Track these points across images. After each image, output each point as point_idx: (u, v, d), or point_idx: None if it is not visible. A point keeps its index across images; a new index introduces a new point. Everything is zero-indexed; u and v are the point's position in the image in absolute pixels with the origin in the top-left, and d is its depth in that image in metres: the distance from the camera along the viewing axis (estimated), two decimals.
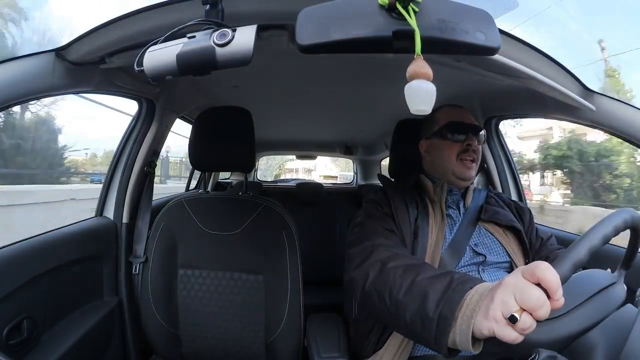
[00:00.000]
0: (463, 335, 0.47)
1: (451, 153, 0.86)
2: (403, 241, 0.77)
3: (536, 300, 0.40)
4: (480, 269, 0.79)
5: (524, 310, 0.41)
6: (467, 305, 0.48)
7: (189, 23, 0.47)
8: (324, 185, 2.94)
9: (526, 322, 0.41)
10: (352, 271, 0.70)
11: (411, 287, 0.56)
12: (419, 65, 0.40)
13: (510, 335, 0.42)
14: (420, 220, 0.80)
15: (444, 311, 0.50)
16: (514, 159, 1.33)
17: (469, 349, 0.47)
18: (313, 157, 3.36)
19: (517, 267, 0.81)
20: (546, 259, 0.88)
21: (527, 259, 0.85)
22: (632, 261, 0.59)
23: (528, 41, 0.63)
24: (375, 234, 0.74)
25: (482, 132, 0.89)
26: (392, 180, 1.00)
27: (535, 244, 0.92)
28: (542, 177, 10.98)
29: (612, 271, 0.62)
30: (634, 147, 0.79)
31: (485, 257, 0.80)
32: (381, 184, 1.00)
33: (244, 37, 0.44)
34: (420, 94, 0.39)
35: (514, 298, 0.42)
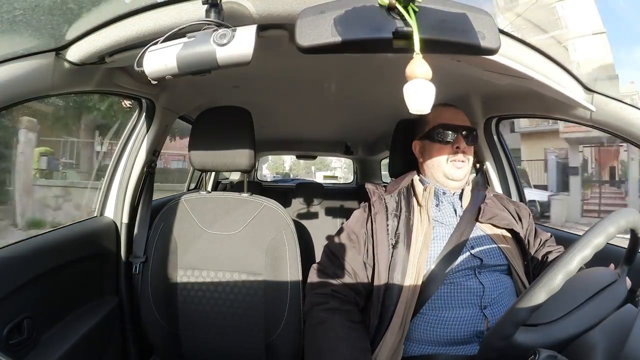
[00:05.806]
0: None
1: (441, 156, 0.86)
2: (372, 267, 0.80)
3: None
4: (476, 272, 0.77)
5: None
6: None
7: (189, 23, 0.47)
8: (324, 185, 2.95)
9: None
10: (310, 294, 0.82)
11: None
12: (418, 64, 0.40)
13: None
14: (401, 228, 0.80)
15: None
16: None
17: None
18: (313, 157, 3.35)
19: (515, 269, 0.80)
20: (545, 260, 0.88)
21: (526, 261, 0.84)
22: (634, 256, 0.60)
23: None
24: (336, 277, 0.81)
25: (474, 132, 0.87)
26: (382, 186, 0.96)
27: (534, 244, 0.91)
28: None
29: (615, 267, 0.62)
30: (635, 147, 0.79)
31: (482, 260, 0.78)
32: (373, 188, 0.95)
33: (244, 37, 0.44)
34: (419, 94, 0.39)
35: None
